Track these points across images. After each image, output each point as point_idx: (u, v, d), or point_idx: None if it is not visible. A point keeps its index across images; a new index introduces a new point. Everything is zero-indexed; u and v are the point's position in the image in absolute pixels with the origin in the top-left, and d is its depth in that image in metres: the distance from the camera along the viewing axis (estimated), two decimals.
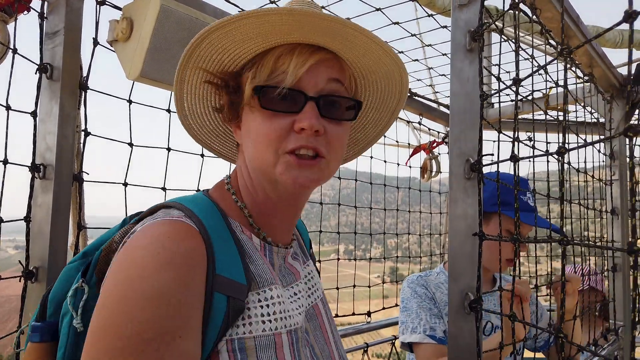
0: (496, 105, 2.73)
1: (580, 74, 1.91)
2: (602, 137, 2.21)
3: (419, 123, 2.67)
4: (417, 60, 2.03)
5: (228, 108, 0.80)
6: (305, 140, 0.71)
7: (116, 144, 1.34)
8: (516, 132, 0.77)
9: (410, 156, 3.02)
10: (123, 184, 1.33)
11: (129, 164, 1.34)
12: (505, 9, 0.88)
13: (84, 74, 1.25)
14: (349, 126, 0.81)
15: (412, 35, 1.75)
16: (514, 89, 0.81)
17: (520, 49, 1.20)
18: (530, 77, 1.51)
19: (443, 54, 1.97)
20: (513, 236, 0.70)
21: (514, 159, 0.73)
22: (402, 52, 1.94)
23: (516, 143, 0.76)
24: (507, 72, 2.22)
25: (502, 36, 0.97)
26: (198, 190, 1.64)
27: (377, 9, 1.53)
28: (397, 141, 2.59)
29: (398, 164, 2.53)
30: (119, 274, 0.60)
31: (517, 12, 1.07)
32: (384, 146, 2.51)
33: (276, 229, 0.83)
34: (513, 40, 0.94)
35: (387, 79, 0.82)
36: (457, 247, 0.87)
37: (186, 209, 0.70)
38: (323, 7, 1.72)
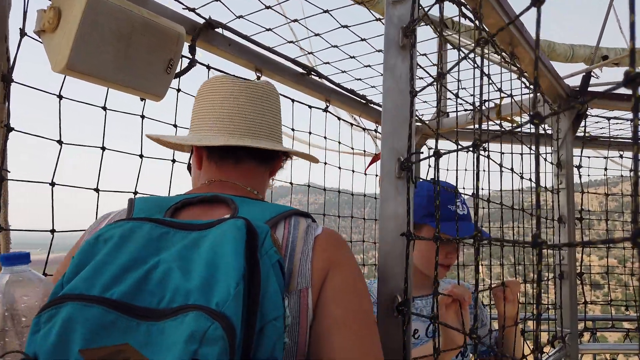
0: (452, 115, 2.76)
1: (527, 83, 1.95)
2: (550, 147, 2.26)
3: (375, 131, 2.67)
4: (369, 66, 2.03)
5: None
6: None
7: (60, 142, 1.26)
8: (439, 127, 0.76)
9: (369, 164, 3.01)
10: (50, 184, 1.25)
11: (57, 162, 1.26)
12: (434, 2, 0.87)
13: (10, 66, 1.18)
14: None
15: (362, 39, 1.74)
16: (438, 85, 0.79)
17: (461, 51, 1.20)
18: (480, 87, 1.51)
19: None
20: (435, 235, 0.68)
21: (437, 154, 0.71)
22: (353, 57, 1.93)
23: (440, 139, 0.74)
24: (459, 80, 2.24)
25: (438, 34, 0.96)
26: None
27: (325, 11, 1.51)
28: (352, 148, 2.57)
29: (353, 171, 2.50)
30: (357, 268, 0.79)
31: (458, 18, 1.07)
32: (338, 154, 2.49)
33: None
34: (439, 34, 0.92)
35: None
36: (386, 248, 0.84)
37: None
38: (270, 7, 1.72)
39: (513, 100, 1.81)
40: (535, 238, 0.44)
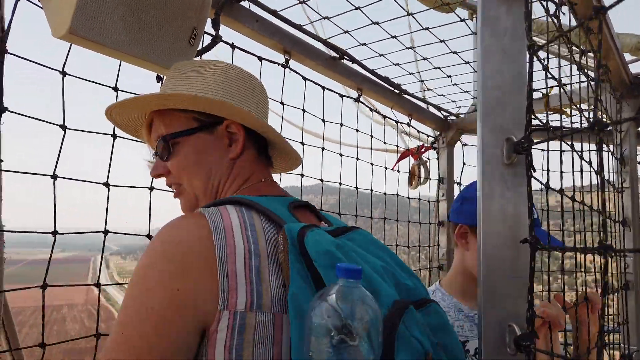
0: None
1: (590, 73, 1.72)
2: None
3: (408, 124, 2.45)
4: (411, 48, 1.81)
5: None
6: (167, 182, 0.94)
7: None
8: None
9: (398, 161, 2.79)
10: (52, 177, 1.05)
11: (60, 151, 1.06)
12: None
13: (3, 35, 0.99)
14: (182, 152, 0.88)
15: (409, 14, 1.53)
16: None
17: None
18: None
19: (440, 41, 1.75)
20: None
21: (598, 125, 0.49)
22: (395, 36, 1.71)
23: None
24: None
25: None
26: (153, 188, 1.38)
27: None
28: (385, 142, 2.36)
29: (372, 164, 2.27)
30: None
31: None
32: (370, 151, 2.27)
33: None
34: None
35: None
36: (492, 259, 0.63)
37: None
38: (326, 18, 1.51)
39: (575, 89, 1.59)
40: None
